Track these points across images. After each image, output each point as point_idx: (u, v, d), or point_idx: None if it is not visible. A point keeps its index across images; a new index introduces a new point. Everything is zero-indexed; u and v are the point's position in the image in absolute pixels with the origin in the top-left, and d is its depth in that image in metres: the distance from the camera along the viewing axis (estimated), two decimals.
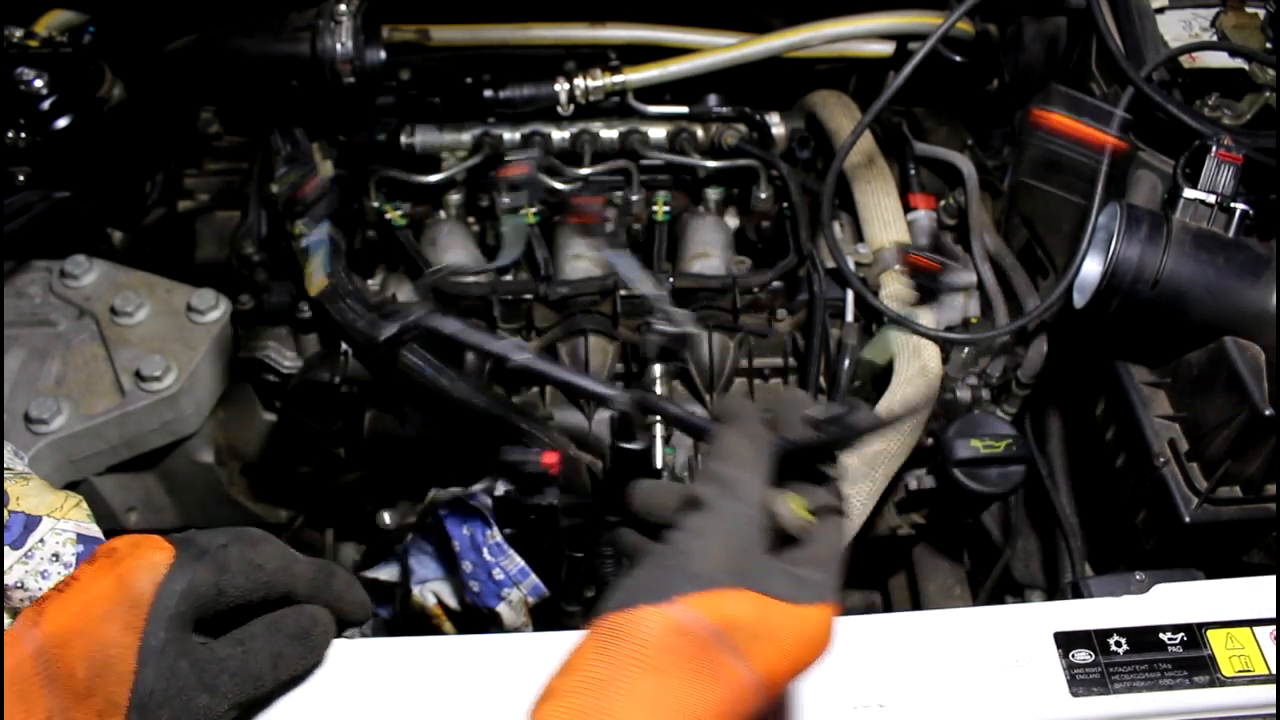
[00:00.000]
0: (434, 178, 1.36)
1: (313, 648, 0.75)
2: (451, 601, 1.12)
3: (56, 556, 0.87)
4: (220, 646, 0.71)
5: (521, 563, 1.07)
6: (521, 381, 1.04)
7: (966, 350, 1.22)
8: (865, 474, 1.08)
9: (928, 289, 1.22)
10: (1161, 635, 0.83)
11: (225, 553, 0.71)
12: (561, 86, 1.40)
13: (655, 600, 0.62)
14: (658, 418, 1.06)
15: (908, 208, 1.34)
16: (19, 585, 0.85)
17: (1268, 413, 0.94)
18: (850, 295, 1.24)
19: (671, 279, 1.24)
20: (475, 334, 0.88)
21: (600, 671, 0.61)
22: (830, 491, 0.71)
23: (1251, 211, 1.03)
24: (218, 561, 0.71)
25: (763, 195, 1.37)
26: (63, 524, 0.88)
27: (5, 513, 0.86)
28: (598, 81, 1.40)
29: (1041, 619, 0.84)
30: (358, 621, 0.79)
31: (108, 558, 0.71)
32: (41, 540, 0.87)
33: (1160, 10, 1.20)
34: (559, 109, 1.42)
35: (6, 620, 0.86)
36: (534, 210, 1.35)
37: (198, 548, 0.71)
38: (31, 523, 0.87)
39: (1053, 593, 1.29)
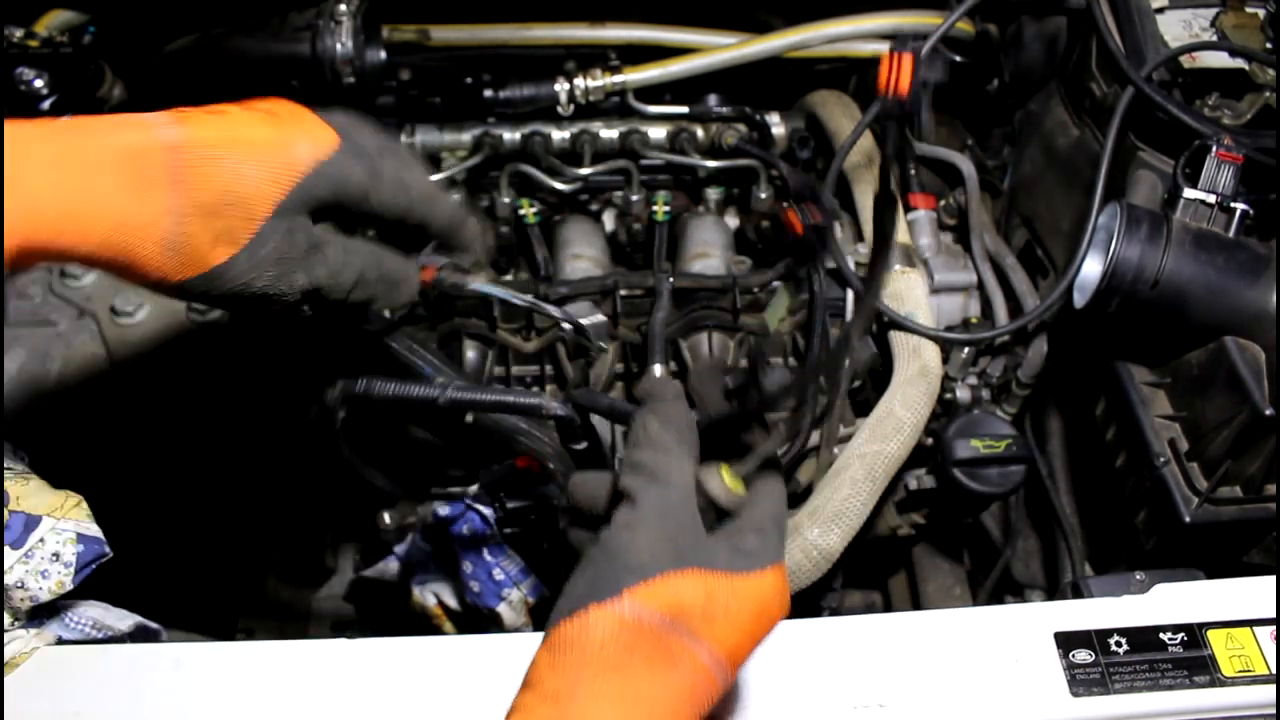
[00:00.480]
0: (434, 178, 1.36)
1: (393, 297, 0.78)
2: (451, 601, 1.13)
3: (57, 556, 0.87)
4: (330, 243, 0.72)
5: (521, 563, 1.07)
6: (458, 415, 1.05)
7: (966, 350, 1.22)
8: (865, 474, 1.08)
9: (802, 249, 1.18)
10: (1162, 635, 0.83)
11: (383, 163, 0.73)
12: (561, 86, 1.40)
13: (601, 599, 0.61)
14: None
15: (908, 208, 1.34)
16: (19, 585, 0.85)
17: (1268, 413, 0.94)
18: (850, 295, 1.24)
19: (671, 279, 1.24)
20: (406, 386, 0.89)
21: (560, 682, 0.61)
22: (759, 456, 0.70)
23: (1251, 211, 1.03)
24: (374, 169, 0.72)
25: (763, 195, 1.37)
26: (63, 524, 0.88)
27: (5, 512, 0.86)
28: (598, 81, 1.40)
29: (1041, 619, 0.84)
30: (469, 258, 0.82)
31: (269, 112, 0.72)
32: (42, 540, 0.87)
33: (1160, 10, 1.20)
34: (559, 109, 1.42)
35: (7, 620, 0.86)
36: (535, 210, 1.35)
37: (359, 146, 0.72)
38: (32, 522, 0.87)
39: (1053, 593, 1.29)
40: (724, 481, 0.67)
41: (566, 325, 0.95)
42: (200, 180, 0.66)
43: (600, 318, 0.98)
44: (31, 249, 0.61)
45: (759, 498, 0.69)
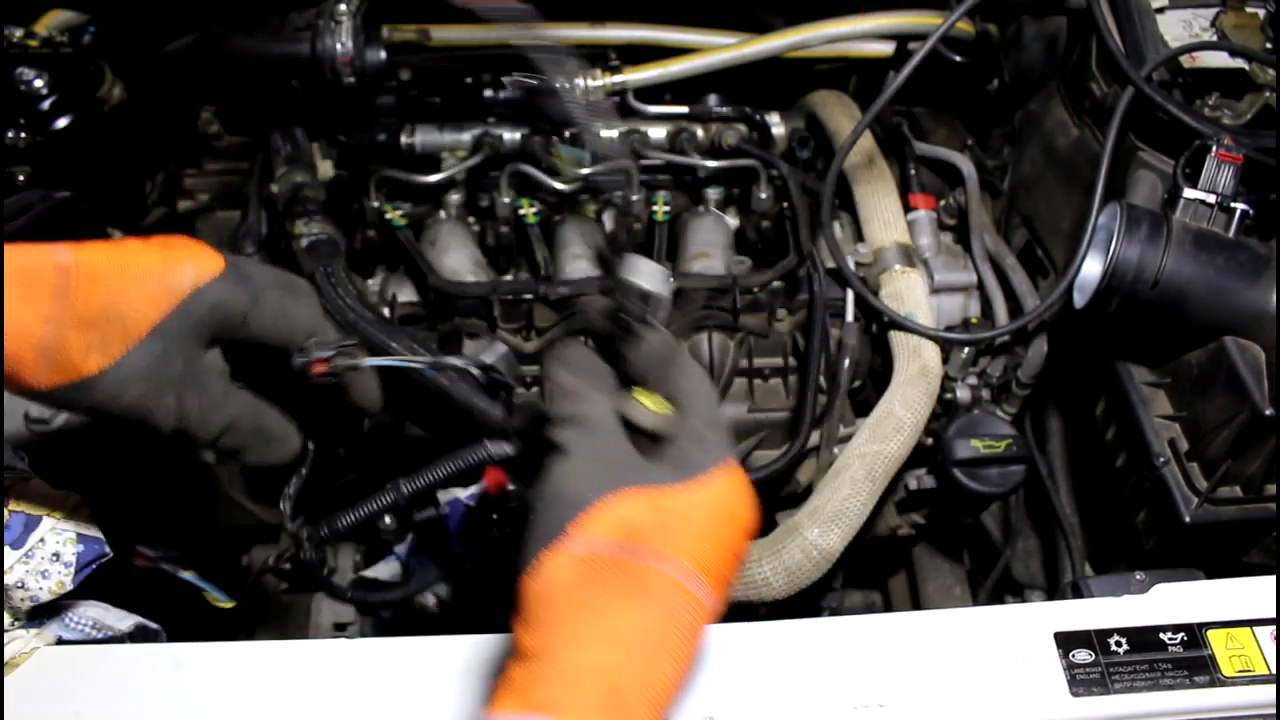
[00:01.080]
0: (434, 178, 1.36)
1: (264, 453, 0.79)
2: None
3: (57, 556, 0.87)
4: (212, 381, 0.75)
5: None
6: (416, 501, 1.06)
7: (966, 350, 1.22)
8: (865, 474, 1.08)
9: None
10: (1161, 635, 0.83)
11: (267, 292, 0.76)
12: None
13: (550, 543, 0.61)
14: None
15: (908, 208, 1.34)
16: (20, 585, 0.85)
17: (1268, 412, 0.94)
18: (850, 295, 1.24)
19: (671, 279, 1.24)
20: (364, 507, 0.92)
21: (537, 639, 0.60)
22: (661, 365, 0.71)
23: (1251, 211, 1.03)
24: (255, 296, 0.75)
25: (763, 195, 1.37)
26: (63, 524, 0.88)
27: (5, 512, 0.86)
28: (598, 81, 1.40)
29: (1041, 619, 0.84)
30: (366, 411, 0.83)
31: (161, 243, 0.74)
32: (42, 540, 0.87)
33: (1160, 10, 1.20)
34: None
35: (7, 620, 0.86)
36: (535, 210, 1.35)
37: (244, 275, 0.75)
38: (32, 522, 0.87)
39: (1053, 593, 1.29)
40: (645, 406, 0.67)
41: (473, 369, 0.95)
42: (82, 295, 0.69)
43: (502, 348, 0.98)
44: None
45: (688, 407, 0.69)
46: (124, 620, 0.92)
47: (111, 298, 0.70)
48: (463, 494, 1.11)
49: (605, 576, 0.60)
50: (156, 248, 0.74)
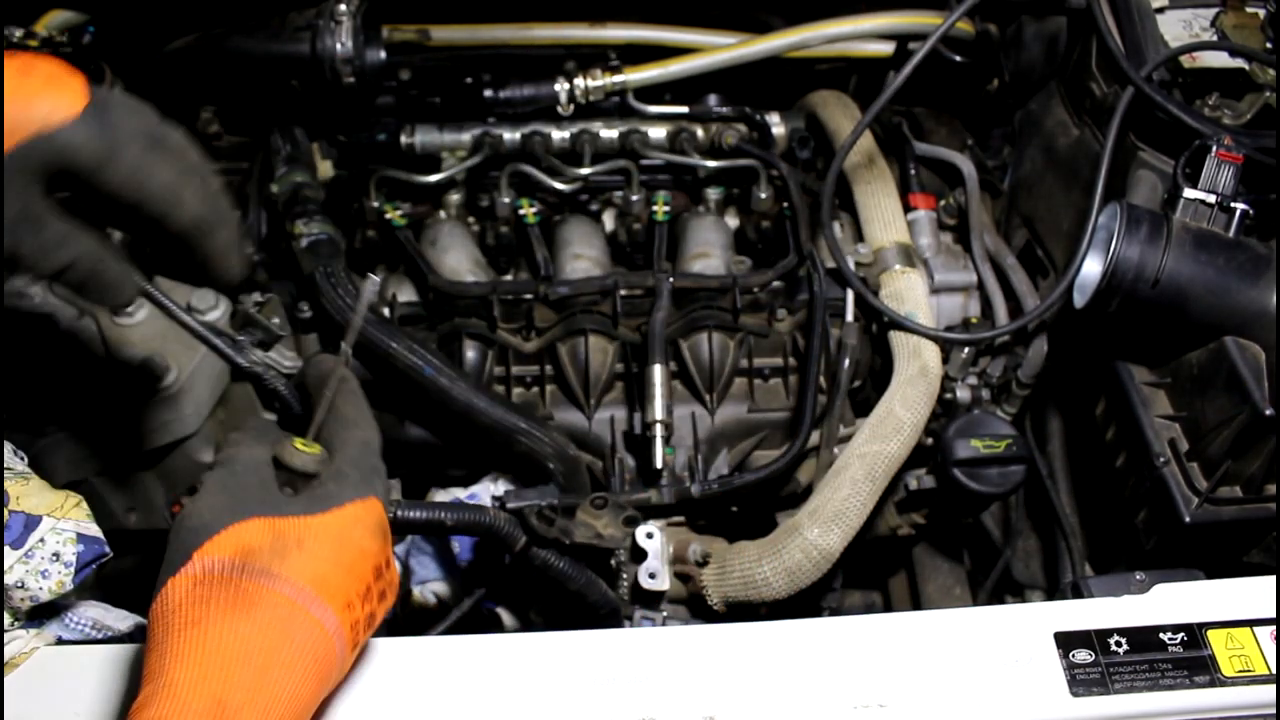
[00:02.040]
0: (434, 178, 1.36)
1: (101, 297, 0.72)
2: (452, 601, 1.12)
3: (57, 556, 0.87)
4: (51, 221, 0.67)
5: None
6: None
7: (966, 350, 1.22)
8: (865, 474, 1.08)
9: None
10: (1161, 635, 0.83)
11: (129, 146, 0.67)
12: (561, 86, 1.40)
13: (175, 570, 0.63)
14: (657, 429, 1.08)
15: (908, 208, 1.34)
16: (19, 585, 0.85)
17: (1268, 412, 0.94)
18: (850, 295, 1.24)
19: (671, 279, 1.24)
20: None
21: (154, 660, 0.62)
22: (316, 422, 0.75)
23: (1251, 211, 1.03)
24: (113, 147, 0.66)
25: (763, 195, 1.37)
26: (63, 524, 0.88)
27: (5, 512, 0.86)
28: (598, 81, 1.40)
29: (1041, 619, 0.84)
30: (224, 281, 0.75)
31: (20, 66, 0.65)
32: (42, 540, 0.87)
33: (1160, 10, 1.20)
34: (559, 109, 1.42)
35: (7, 620, 0.86)
36: (535, 210, 1.35)
37: (105, 122, 0.66)
38: (32, 522, 0.87)
39: (1053, 593, 1.29)
40: (298, 449, 0.72)
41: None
42: None
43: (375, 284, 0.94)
44: None
45: (338, 450, 0.73)
46: (124, 620, 0.92)
47: None
48: (462, 493, 1.11)
49: (216, 594, 0.62)
50: (12, 72, 0.65)
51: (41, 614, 0.89)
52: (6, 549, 0.85)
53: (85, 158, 0.66)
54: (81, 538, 0.88)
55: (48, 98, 0.65)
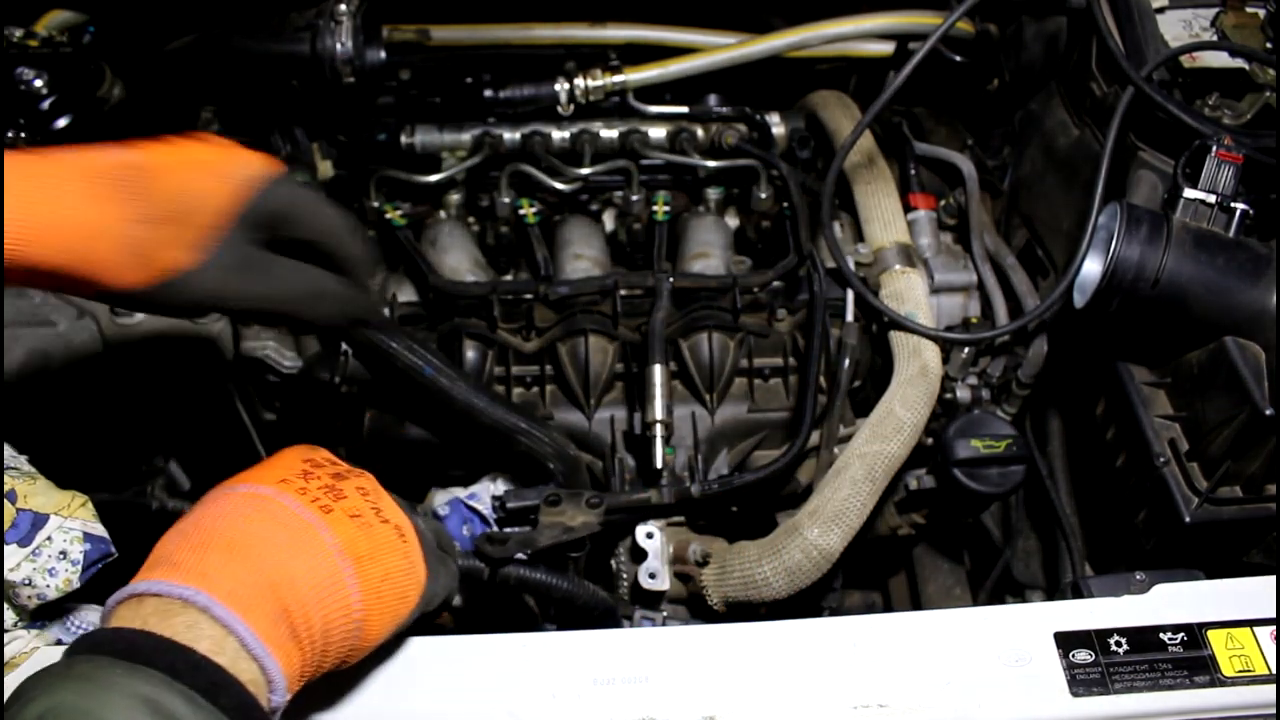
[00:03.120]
0: (434, 178, 1.36)
1: (331, 314, 0.85)
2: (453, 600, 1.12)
3: (64, 554, 0.87)
4: (278, 261, 0.79)
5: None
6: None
7: (966, 350, 1.22)
8: (865, 474, 1.08)
9: None
10: (1161, 635, 0.83)
11: (318, 195, 0.82)
12: (561, 86, 1.40)
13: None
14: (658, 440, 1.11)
15: (908, 208, 1.34)
16: (27, 582, 0.85)
17: (1268, 412, 0.94)
18: (850, 295, 1.24)
19: (671, 279, 1.24)
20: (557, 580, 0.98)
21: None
22: None
23: (1251, 211, 1.03)
24: (306, 196, 0.80)
25: (763, 195, 1.37)
26: (70, 522, 0.88)
27: (14, 510, 0.86)
28: (598, 81, 1.40)
29: (1041, 619, 0.84)
30: (361, 281, 0.87)
31: (218, 142, 0.77)
32: (49, 538, 0.87)
33: (1160, 10, 1.20)
34: (559, 109, 1.42)
35: (10, 617, 0.86)
36: (535, 210, 1.35)
37: (293, 178, 0.83)
38: (39, 520, 0.87)
39: (1053, 593, 1.29)
40: None
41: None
42: (157, 191, 0.70)
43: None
44: (14, 261, 0.66)
45: None
46: None
47: (181, 190, 0.71)
48: (462, 493, 1.11)
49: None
50: (210, 145, 0.76)
51: (45, 615, 0.89)
52: (14, 547, 0.85)
53: (296, 207, 0.79)
54: (88, 537, 0.88)
55: (256, 162, 0.77)
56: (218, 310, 0.77)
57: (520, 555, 0.96)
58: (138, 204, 0.69)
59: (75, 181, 0.68)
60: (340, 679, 0.77)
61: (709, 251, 1.33)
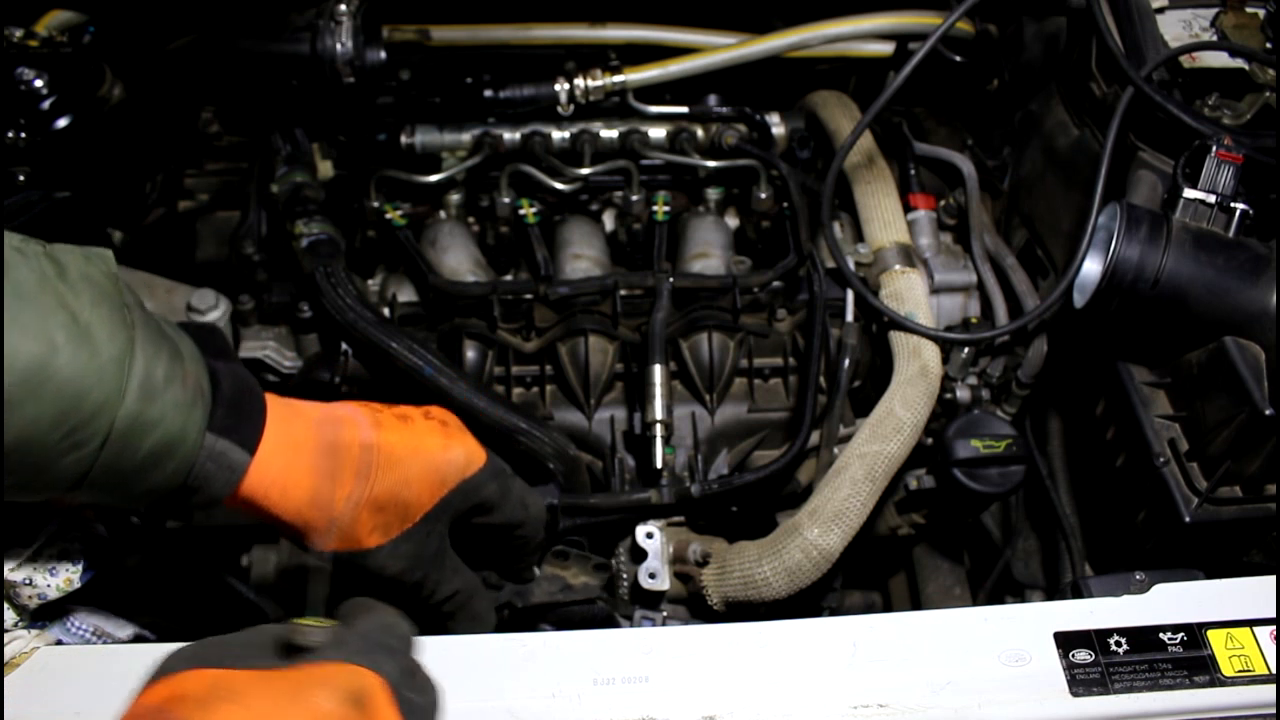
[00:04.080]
0: (434, 178, 1.36)
1: (469, 627, 0.92)
2: None
3: (64, 554, 0.87)
4: (450, 555, 0.87)
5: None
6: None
7: (966, 350, 1.22)
8: (865, 474, 1.08)
9: None
10: (1161, 635, 0.83)
11: (511, 481, 0.90)
12: (561, 86, 1.40)
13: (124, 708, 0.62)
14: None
15: (908, 208, 1.34)
16: (28, 582, 0.85)
17: (1268, 412, 0.94)
18: (850, 295, 1.24)
19: (671, 279, 1.24)
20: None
21: None
22: (313, 600, 0.73)
23: (1251, 211, 1.03)
24: (505, 487, 0.88)
25: (763, 195, 1.37)
26: (71, 523, 0.88)
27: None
28: (598, 81, 1.40)
29: (1041, 619, 0.84)
30: (529, 559, 1.00)
31: (443, 423, 0.86)
32: (49, 538, 0.87)
33: (1160, 10, 1.20)
34: (559, 109, 1.42)
35: (11, 617, 0.86)
36: (535, 210, 1.35)
37: (497, 466, 0.88)
38: (40, 520, 0.87)
39: (1053, 593, 1.29)
40: (304, 623, 0.66)
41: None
42: (379, 479, 0.79)
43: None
44: (248, 498, 0.75)
45: (351, 625, 0.68)
46: (125, 628, 0.92)
47: (400, 483, 0.80)
48: None
49: None
50: (438, 432, 0.84)
51: (45, 616, 0.89)
52: (16, 547, 0.85)
53: (488, 500, 0.87)
54: (89, 537, 0.88)
55: (463, 455, 0.84)
56: (391, 584, 0.83)
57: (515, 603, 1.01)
58: (359, 488, 0.78)
59: (315, 454, 0.77)
60: None
61: (709, 251, 1.33)
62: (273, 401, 0.78)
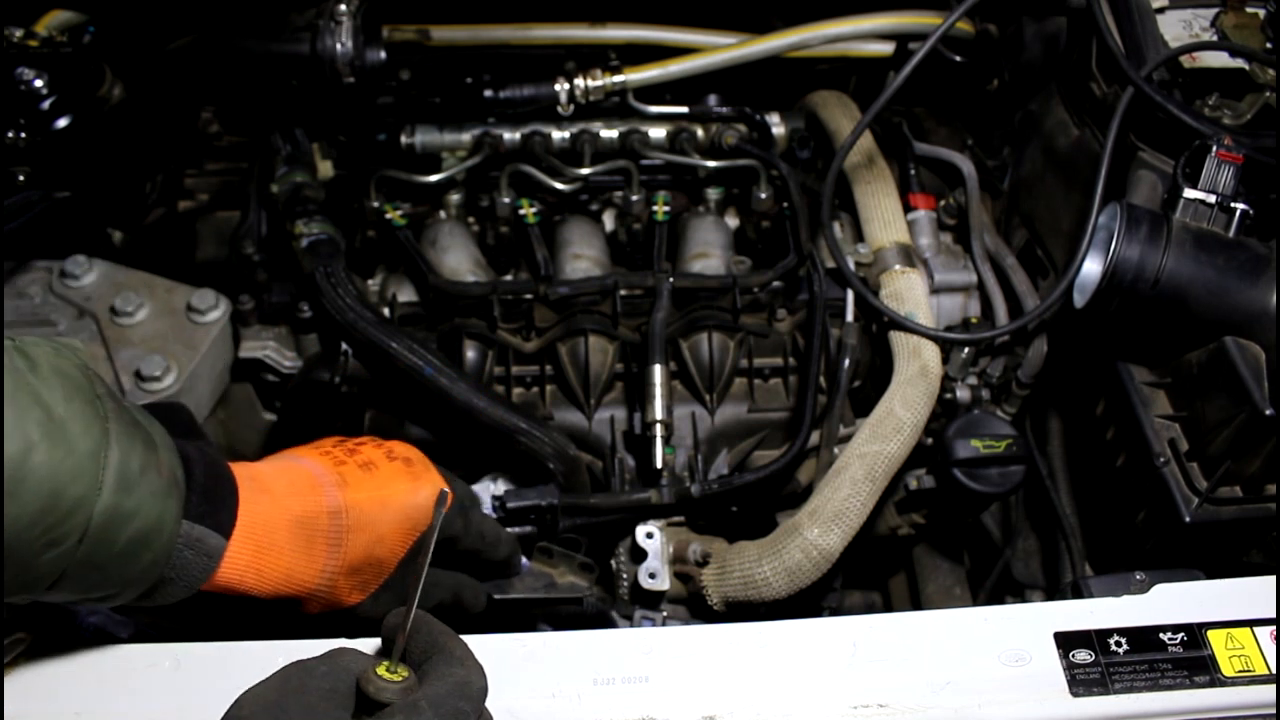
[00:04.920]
0: (434, 178, 1.36)
1: (464, 614, 0.93)
2: None
3: None
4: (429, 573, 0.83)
5: (525, 561, 1.07)
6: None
7: (966, 350, 1.22)
8: (865, 474, 1.08)
9: None
10: (1161, 635, 0.83)
11: (472, 513, 0.92)
12: (561, 86, 1.40)
13: None
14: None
15: (908, 208, 1.34)
16: None
17: (1268, 412, 0.94)
18: (850, 295, 1.24)
19: (671, 279, 1.24)
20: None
21: None
22: (397, 649, 0.72)
23: (1251, 211, 1.03)
24: (468, 520, 0.90)
25: (763, 195, 1.37)
26: None
27: None
28: (598, 81, 1.40)
29: (1041, 619, 0.84)
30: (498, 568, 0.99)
31: (406, 463, 0.86)
32: None
33: (1160, 10, 1.20)
34: (559, 109, 1.42)
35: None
36: (535, 210, 1.35)
37: (460, 501, 0.89)
38: None
39: (1053, 593, 1.29)
40: (379, 675, 0.68)
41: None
42: (351, 543, 0.80)
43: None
44: (224, 585, 0.75)
45: (426, 684, 0.69)
46: (126, 627, 0.92)
47: (373, 544, 0.81)
48: None
49: None
50: (404, 475, 0.84)
51: (45, 616, 0.89)
52: None
53: (452, 533, 0.88)
54: None
55: (430, 495, 0.84)
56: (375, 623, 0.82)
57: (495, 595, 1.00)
58: (334, 558, 0.79)
59: (287, 532, 0.77)
60: None
61: (709, 251, 1.33)
62: (240, 479, 0.76)
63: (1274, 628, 0.83)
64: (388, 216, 1.34)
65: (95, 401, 0.67)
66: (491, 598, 1.00)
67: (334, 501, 0.79)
